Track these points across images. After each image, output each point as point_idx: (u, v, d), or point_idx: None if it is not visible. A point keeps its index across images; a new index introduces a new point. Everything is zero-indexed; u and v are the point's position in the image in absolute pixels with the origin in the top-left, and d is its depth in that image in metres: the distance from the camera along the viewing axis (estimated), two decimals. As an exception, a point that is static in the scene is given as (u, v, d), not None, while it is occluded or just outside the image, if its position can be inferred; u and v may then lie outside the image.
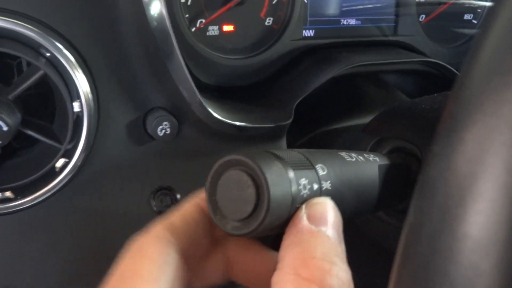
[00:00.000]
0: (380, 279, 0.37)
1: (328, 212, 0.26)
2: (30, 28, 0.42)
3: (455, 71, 0.60)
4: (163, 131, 0.49)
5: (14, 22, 0.41)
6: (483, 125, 0.15)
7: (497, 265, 0.15)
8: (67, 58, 0.43)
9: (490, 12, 0.17)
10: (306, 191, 0.27)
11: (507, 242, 0.15)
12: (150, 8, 0.45)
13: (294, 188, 0.26)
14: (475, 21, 0.70)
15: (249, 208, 0.25)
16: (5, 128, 0.42)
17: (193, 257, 0.29)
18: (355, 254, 0.45)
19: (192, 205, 0.30)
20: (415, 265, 0.17)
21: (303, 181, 0.27)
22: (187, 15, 0.56)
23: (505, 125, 0.15)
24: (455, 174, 0.16)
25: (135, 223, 0.52)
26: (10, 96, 0.43)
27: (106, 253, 0.51)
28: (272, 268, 0.29)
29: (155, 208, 0.52)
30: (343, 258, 0.25)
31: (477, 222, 0.15)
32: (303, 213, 0.26)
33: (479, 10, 0.69)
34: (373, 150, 0.45)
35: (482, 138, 0.15)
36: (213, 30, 0.58)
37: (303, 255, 0.24)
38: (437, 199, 0.16)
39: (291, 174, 0.26)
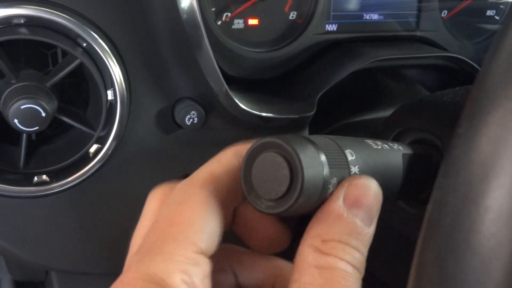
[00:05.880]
0: (399, 265, 0.38)
1: (365, 194, 0.28)
2: (68, 19, 0.44)
3: (476, 66, 0.60)
4: (191, 120, 0.51)
5: (54, 13, 0.43)
6: (506, 108, 0.17)
7: (516, 235, 0.16)
8: (102, 48, 0.45)
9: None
10: (336, 174, 0.29)
11: (526, 213, 0.16)
12: (181, 1, 0.47)
13: (325, 171, 0.28)
14: (497, 17, 0.70)
15: (283, 188, 0.27)
16: (43, 114, 0.44)
17: (229, 206, 0.30)
18: (375, 242, 0.46)
19: (231, 154, 0.30)
20: (440, 237, 0.18)
21: (334, 164, 0.29)
22: (213, 9, 0.57)
23: (526, 108, 0.16)
24: (479, 152, 0.17)
25: (162, 208, 0.54)
26: (48, 84, 0.45)
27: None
28: (275, 235, 0.31)
29: (181, 195, 0.54)
30: (364, 241, 0.27)
31: (498, 196, 0.17)
32: (341, 193, 0.27)
33: (501, 6, 0.70)
34: (395, 141, 0.46)
35: (504, 120, 0.17)
36: (238, 24, 0.59)
37: (325, 236, 0.26)
38: (461, 176, 0.18)
39: (323, 157, 0.28)
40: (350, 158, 0.29)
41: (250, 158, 0.28)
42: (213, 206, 0.28)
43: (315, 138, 0.29)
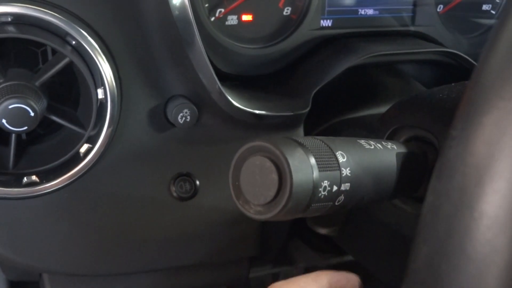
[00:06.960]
0: (395, 263, 0.37)
1: None
2: (57, 17, 0.43)
3: (472, 61, 0.60)
4: (183, 118, 0.50)
5: (42, 11, 0.42)
6: (501, 109, 0.16)
7: (512, 241, 0.16)
8: (92, 46, 0.44)
9: (509, 2, 0.18)
10: (327, 177, 0.28)
11: (523, 219, 0.15)
12: (173, -3, 0.46)
13: (315, 174, 0.27)
14: (493, 12, 0.69)
15: (272, 192, 0.26)
16: (32, 114, 0.43)
17: None
18: (372, 240, 0.45)
19: None
20: (434, 243, 0.17)
21: (324, 167, 0.28)
22: (206, 5, 0.56)
23: (522, 109, 0.15)
24: (473, 155, 0.17)
25: (155, 208, 0.53)
26: (37, 83, 0.44)
27: (127, 236, 0.53)
28: None
29: (174, 194, 0.53)
30: None
31: (494, 201, 0.16)
32: None
33: (497, 1, 0.69)
34: (390, 138, 0.45)
35: (500, 121, 0.16)
36: (232, 20, 0.58)
37: None
38: (455, 180, 0.17)
39: (312, 160, 0.27)
40: (341, 160, 0.29)
41: (239, 162, 0.28)
42: None
43: (305, 140, 0.28)
